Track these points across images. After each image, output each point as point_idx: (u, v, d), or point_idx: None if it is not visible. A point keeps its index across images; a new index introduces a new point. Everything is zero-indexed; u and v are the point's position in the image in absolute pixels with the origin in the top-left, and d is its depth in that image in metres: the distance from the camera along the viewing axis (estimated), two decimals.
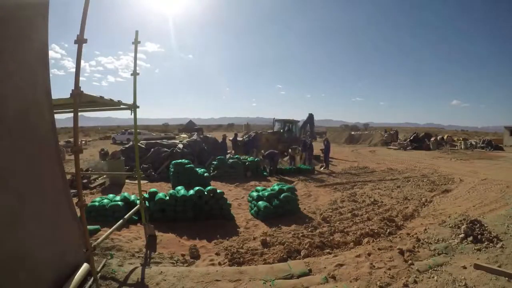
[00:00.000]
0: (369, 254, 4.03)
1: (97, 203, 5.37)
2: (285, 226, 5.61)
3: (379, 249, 4.21)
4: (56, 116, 2.90)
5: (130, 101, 4.06)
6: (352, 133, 39.34)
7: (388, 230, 5.36)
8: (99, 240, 3.06)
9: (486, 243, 4.17)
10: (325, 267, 3.69)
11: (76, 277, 2.61)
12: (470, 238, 4.31)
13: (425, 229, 5.06)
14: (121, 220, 3.74)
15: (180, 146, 12.41)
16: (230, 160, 11.01)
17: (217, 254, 4.40)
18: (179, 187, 6.17)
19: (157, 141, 14.01)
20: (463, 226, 4.61)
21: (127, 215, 3.99)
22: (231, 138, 16.45)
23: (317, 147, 17.04)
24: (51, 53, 2.62)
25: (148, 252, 4.10)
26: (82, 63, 2.65)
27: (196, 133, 23.07)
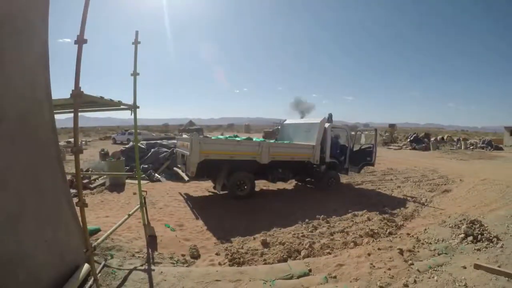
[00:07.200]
0: (369, 254, 4.03)
1: None
2: (285, 226, 5.60)
3: (379, 249, 4.21)
4: (56, 116, 2.90)
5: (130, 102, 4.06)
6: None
7: (388, 230, 5.36)
8: (99, 240, 3.05)
9: (486, 243, 4.17)
10: (325, 267, 3.69)
11: (76, 277, 2.61)
12: (470, 238, 4.31)
13: (425, 229, 5.06)
14: (121, 220, 3.74)
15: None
16: None
17: (217, 254, 4.39)
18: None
19: (157, 141, 13.99)
20: (463, 226, 4.61)
21: (127, 215, 3.99)
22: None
23: None
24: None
25: (148, 252, 4.10)
26: None
27: (195, 132, 22.99)
